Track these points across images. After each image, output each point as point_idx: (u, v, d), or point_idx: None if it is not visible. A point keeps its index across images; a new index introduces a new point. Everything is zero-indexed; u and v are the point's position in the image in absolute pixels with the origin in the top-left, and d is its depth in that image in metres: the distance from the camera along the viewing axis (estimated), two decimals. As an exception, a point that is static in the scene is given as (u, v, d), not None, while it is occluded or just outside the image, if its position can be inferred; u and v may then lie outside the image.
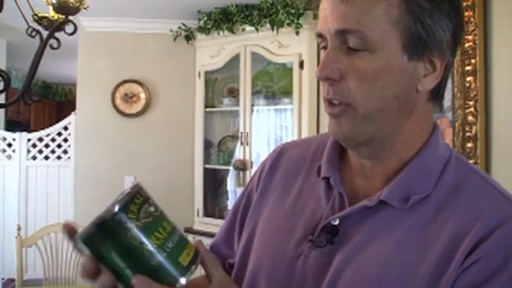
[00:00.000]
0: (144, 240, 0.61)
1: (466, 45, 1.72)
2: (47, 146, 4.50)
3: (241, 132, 3.74)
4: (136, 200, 0.62)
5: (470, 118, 1.69)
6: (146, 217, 0.62)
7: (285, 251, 0.79)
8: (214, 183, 4.18)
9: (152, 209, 0.63)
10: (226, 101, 4.01)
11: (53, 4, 1.86)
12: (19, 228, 2.94)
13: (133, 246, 0.60)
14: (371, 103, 0.72)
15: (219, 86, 4.13)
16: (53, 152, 4.49)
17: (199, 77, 4.03)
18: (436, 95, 0.77)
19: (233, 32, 3.73)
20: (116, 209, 0.60)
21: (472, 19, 1.71)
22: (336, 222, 0.75)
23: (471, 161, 1.66)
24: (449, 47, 0.74)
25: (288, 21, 3.37)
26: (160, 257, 0.62)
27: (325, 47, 0.75)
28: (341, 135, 0.76)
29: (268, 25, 3.51)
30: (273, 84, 3.88)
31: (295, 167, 0.90)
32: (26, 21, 2.10)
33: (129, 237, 0.60)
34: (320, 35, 0.75)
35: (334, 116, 0.74)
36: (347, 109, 0.73)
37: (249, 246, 0.86)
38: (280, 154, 0.94)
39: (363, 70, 0.70)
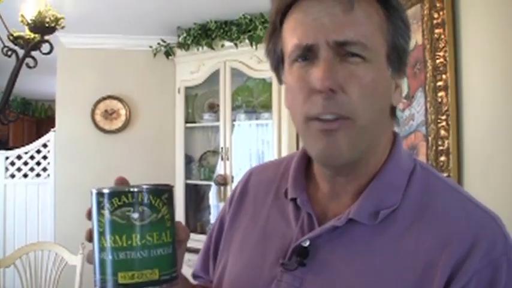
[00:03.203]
0: (108, 233, 0.63)
1: (438, 61, 1.76)
2: (25, 163, 4.44)
3: (222, 148, 3.75)
4: (124, 197, 0.63)
5: (442, 132, 1.72)
6: (120, 217, 0.63)
7: (258, 277, 0.77)
8: (195, 198, 4.17)
9: (134, 215, 0.63)
10: (206, 116, 4.02)
11: (28, 24, 1.85)
12: (-3, 249, 2.89)
13: (98, 230, 0.64)
14: (369, 114, 0.69)
15: (199, 101, 4.14)
16: (31, 169, 4.44)
17: (179, 92, 4.04)
18: (395, 110, 0.78)
19: (212, 48, 3.75)
20: (109, 190, 0.64)
21: (442, 36, 1.75)
22: (306, 244, 0.73)
23: (444, 174, 1.69)
24: (407, 66, 0.77)
25: (266, 37, 3.40)
26: (108, 257, 0.63)
27: (305, 57, 0.70)
28: (337, 154, 0.69)
29: (247, 41, 3.54)
30: (253, 99, 3.90)
31: (265, 189, 0.88)
32: (1, 40, 2.09)
33: (99, 220, 0.64)
34: (303, 41, 0.69)
35: (331, 132, 0.68)
36: (345, 123, 0.68)
37: (223, 272, 0.85)
38: (249, 178, 0.93)
39: (363, 79, 0.68)
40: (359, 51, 0.68)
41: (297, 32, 0.71)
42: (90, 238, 0.65)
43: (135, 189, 0.63)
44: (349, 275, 0.69)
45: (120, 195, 0.63)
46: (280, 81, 0.80)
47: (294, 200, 0.80)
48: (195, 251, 1.13)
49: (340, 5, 0.68)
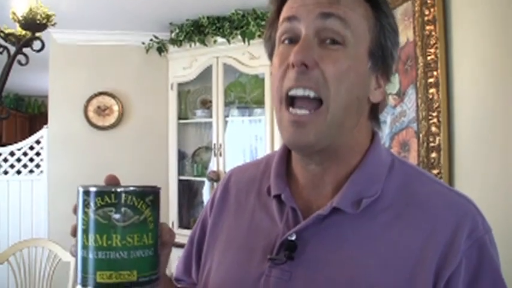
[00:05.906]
0: (90, 231, 0.64)
1: (428, 58, 1.77)
2: (18, 160, 4.43)
3: (215, 144, 3.76)
4: (107, 197, 0.63)
5: (433, 129, 1.73)
6: (102, 217, 0.63)
7: (246, 274, 0.78)
8: (189, 194, 4.18)
9: (116, 216, 0.63)
10: (199, 112, 4.02)
11: (19, 21, 1.85)
12: (-10, 246, 2.89)
13: (81, 228, 0.65)
14: (342, 98, 0.71)
15: (192, 97, 4.15)
16: (25, 166, 4.42)
17: (172, 88, 4.03)
18: (375, 115, 0.81)
19: (205, 44, 3.75)
20: (93, 189, 0.64)
21: (433, 33, 1.76)
22: (293, 238, 0.75)
23: (435, 171, 1.70)
24: (392, 72, 0.79)
25: (259, 33, 3.41)
26: (89, 255, 0.64)
27: (291, 40, 0.73)
28: (304, 143, 0.72)
29: (239, 37, 3.54)
30: (246, 95, 3.91)
31: (246, 188, 0.89)
32: (-7, 37, 2.08)
33: (83, 218, 0.65)
34: (291, 19, 0.73)
35: (300, 124, 0.71)
36: (316, 114, 0.71)
37: (209, 272, 0.85)
38: (229, 179, 0.94)
39: (339, 61, 0.70)
40: (340, 28, 0.70)
41: (284, 13, 0.75)
42: (74, 233, 0.66)
43: (119, 190, 0.64)
44: (338, 265, 0.71)
45: (103, 195, 0.64)
46: None
47: (277, 196, 0.81)
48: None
49: None
